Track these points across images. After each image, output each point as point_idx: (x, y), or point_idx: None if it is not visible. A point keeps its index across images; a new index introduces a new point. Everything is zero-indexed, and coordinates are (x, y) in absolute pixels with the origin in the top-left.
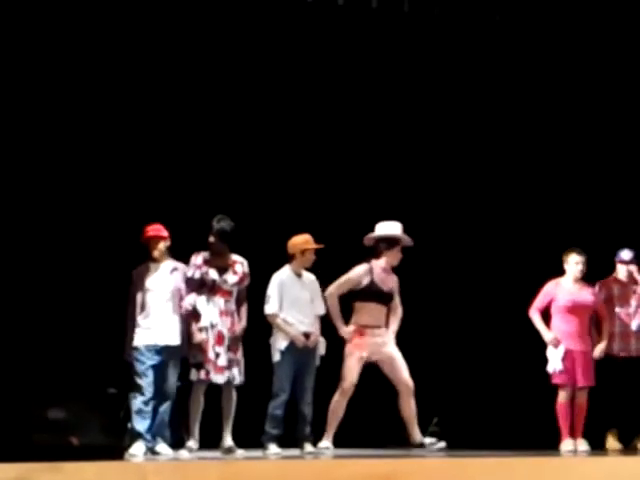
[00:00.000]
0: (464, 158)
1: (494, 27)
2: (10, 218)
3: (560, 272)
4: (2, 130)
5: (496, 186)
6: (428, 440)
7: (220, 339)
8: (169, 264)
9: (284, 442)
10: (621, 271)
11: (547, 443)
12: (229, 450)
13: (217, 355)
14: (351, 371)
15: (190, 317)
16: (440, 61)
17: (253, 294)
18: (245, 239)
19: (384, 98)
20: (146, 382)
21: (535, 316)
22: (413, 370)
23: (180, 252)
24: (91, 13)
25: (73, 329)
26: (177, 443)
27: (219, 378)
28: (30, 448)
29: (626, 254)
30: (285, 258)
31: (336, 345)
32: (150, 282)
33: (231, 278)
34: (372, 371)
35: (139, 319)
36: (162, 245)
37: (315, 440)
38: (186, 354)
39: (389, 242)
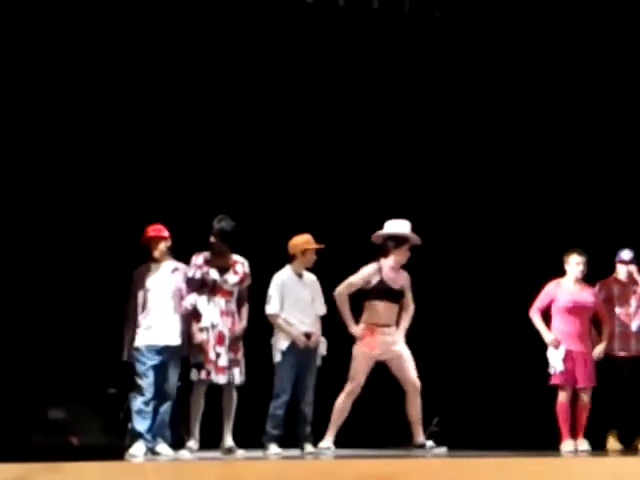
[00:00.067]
0: (465, 159)
1: (494, 28)
2: (11, 218)
3: (561, 273)
4: (2, 130)
5: (497, 187)
6: (429, 443)
7: (221, 339)
8: (170, 264)
9: (284, 442)
10: (621, 271)
11: (547, 444)
12: (229, 450)
13: (218, 355)
14: (359, 371)
15: (191, 317)
16: (441, 61)
17: (254, 294)
18: (246, 239)
19: (385, 98)
20: (147, 382)
21: (535, 316)
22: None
23: (181, 252)
24: (91, 13)
25: (73, 329)
26: (177, 443)
27: (220, 378)
28: (30, 448)
29: (626, 254)
30: (286, 258)
31: (336, 345)
32: (151, 282)
33: (232, 278)
34: (372, 371)
35: (140, 319)
36: (163, 245)
37: (316, 440)
38: (187, 354)
39: (397, 240)
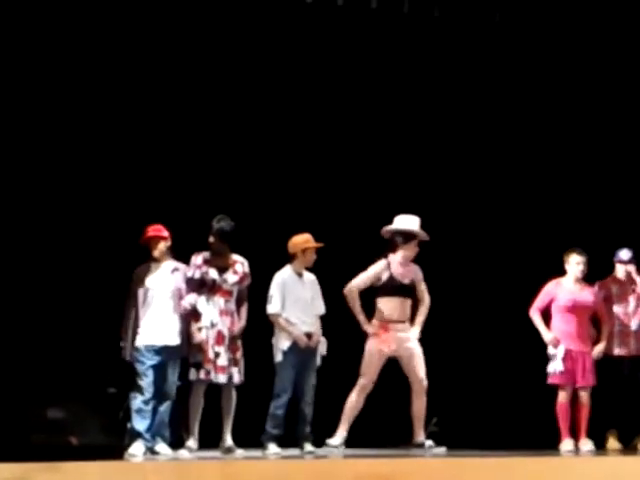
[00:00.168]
0: (463, 160)
1: (494, 28)
2: (11, 219)
3: (561, 272)
4: (2, 131)
5: (496, 187)
6: (428, 443)
7: (220, 339)
8: (170, 264)
9: (284, 442)
10: (620, 271)
11: (547, 443)
12: (229, 450)
13: (217, 355)
14: (371, 367)
15: (190, 317)
16: (440, 62)
17: (254, 294)
18: (246, 239)
19: (384, 99)
20: (146, 382)
21: (535, 316)
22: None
23: (181, 252)
24: (91, 13)
25: (72, 329)
26: (177, 443)
27: (219, 378)
28: (29, 448)
29: (625, 254)
30: (285, 258)
31: (337, 346)
32: (151, 282)
33: (231, 278)
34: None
35: (139, 319)
36: (162, 245)
37: (316, 439)
38: (186, 354)
39: (405, 236)
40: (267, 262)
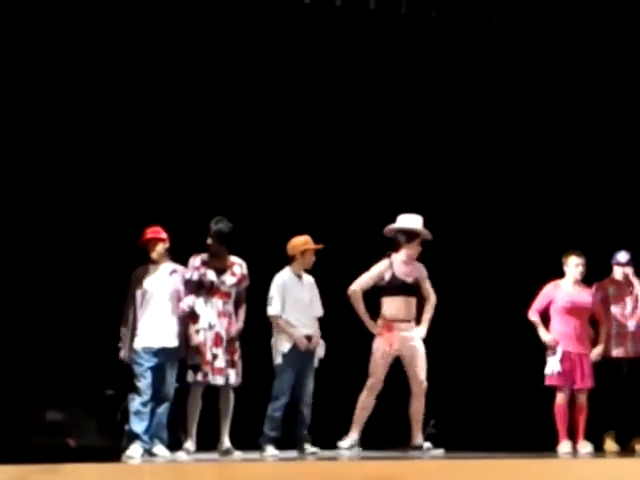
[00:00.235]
0: (461, 162)
1: (491, 28)
2: (9, 220)
3: (560, 274)
4: (2, 132)
5: (496, 189)
6: (426, 445)
7: (218, 340)
8: (168, 266)
9: (281, 444)
10: (617, 273)
11: (545, 445)
12: (226, 452)
13: (215, 357)
14: (378, 367)
15: (188, 319)
16: (438, 62)
17: (252, 296)
18: (244, 241)
19: (382, 99)
20: (144, 384)
21: (534, 318)
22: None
23: (180, 254)
24: (91, 13)
25: (71, 331)
26: (174, 445)
27: (217, 379)
28: (27, 450)
29: (622, 256)
30: (284, 259)
31: (336, 348)
32: (149, 284)
33: (229, 279)
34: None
35: (137, 321)
36: (161, 247)
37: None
38: (184, 356)
39: (408, 235)
40: (266, 264)
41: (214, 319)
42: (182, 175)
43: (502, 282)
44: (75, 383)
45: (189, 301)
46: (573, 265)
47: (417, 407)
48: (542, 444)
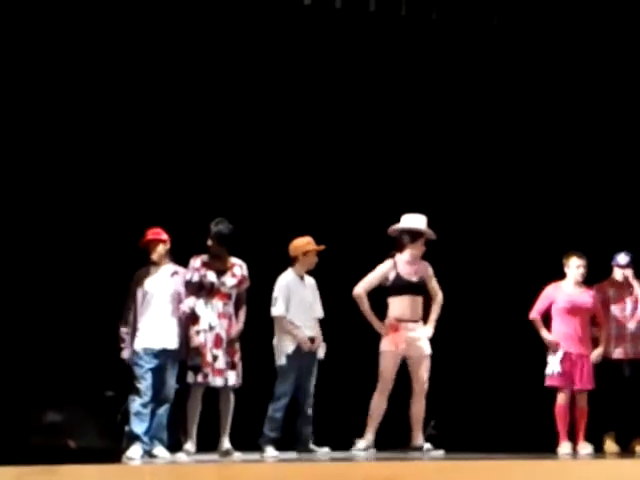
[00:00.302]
0: (461, 164)
1: (492, 31)
2: (10, 221)
3: (561, 276)
4: (2, 134)
5: (497, 190)
6: (426, 446)
7: (218, 342)
8: (169, 267)
9: (281, 445)
10: (617, 275)
11: (545, 446)
12: (226, 453)
13: (215, 358)
14: (387, 368)
15: (188, 320)
16: (438, 65)
17: (253, 297)
18: (245, 242)
19: (383, 101)
20: (145, 385)
21: (535, 319)
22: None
23: (181, 255)
24: (91, 14)
25: (71, 332)
26: (174, 446)
27: (217, 381)
28: (27, 451)
29: (622, 258)
30: (284, 261)
31: (342, 349)
32: (150, 285)
33: (229, 281)
34: (369, 375)
35: (138, 322)
36: (161, 248)
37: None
38: (184, 357)
39: (413, 235)
40: (266, 265)
41: (214, 320)
42: (183, 177)
43: (503, 283)
44: (75, 384)
45: (190, 302)
46: (574, 266)
47: (418, 408)
48: (542, 445)
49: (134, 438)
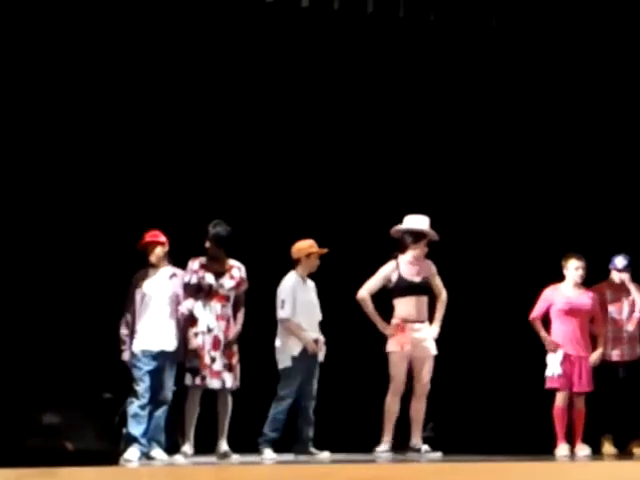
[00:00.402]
0: (460, 166)
1: (490, 32)
2: (9, 223)
3: (560, 278)
4: (1, 135)
5: (496, 193)
6: (424, 447)
7: (216, 344)
8: (168, 270)
9: (279, 446)
10: (615, 278)
11: (543, 448)
12: (224, 455)
13: (213, 360)
14: (397, 369)
15: (187, 322)
16: (436, 66)
17: (251, 299)
18: (243, 244)
19: (381, 103)
20: (143, 387)
21: (535, 322)
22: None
23: (179, 257)
24: (91, 15)
25: (69, 334)
26: (172, 448)
27: (214, 383)
28: (24, 453)
29: (620, 262)
30: (283, 263)
31: (345, 352)
32: (148, 287)
33: (228, 283)
34: (367, 376)
35: (136, 324)
36: (159, 250)
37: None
38: (182, 359)
39: (415, 235)
40: (265, 267)
41: (213, 322)
42: (181, 179)
43: (501, 285)
44: (73, 386)
45: (188, 304)
46: (573, 268)
47: (418, 408)
48: (540, 447)
49: (132, 440)
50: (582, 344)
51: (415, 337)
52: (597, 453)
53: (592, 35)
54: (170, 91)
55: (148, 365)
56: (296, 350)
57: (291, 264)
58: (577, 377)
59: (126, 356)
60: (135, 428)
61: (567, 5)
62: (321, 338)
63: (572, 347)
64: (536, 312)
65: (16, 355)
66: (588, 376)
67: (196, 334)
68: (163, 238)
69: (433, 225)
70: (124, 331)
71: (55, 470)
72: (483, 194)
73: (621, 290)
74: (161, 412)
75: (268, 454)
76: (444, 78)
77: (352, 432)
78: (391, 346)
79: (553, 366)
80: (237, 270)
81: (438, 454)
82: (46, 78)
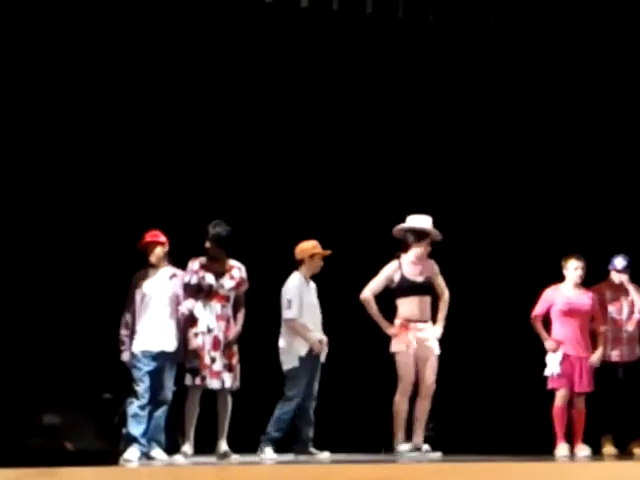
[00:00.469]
0: (459, 166)
1: (489, 32)
2: (9, 223)
3: (560, 278)
4: (1, 136)
5: (496, 193)
6: (425, 447)
7: (216, 344)
8: (168, 270)
9: (280, 446)
10: (614, 278)
11: (543, 448)
12: (224, 455)
13: (213, 360)
14: (404, 369)
15: (187, 322)
16: (435, 66)
17: (251, 299)
18: (243, 244)
19: (381, 103)
20: (143, 388)
21: (536, 322)
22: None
23: (179, 258)
24: (91, 15)
25: (69, 334)
26: (172, 448)
27: (214, 383)
28: (24, 453)
29: (619, 262)
30: (284, 264)
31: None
32: (148, 287)
33: (228, 283)
34: (367, 376)
35: (136, 324)
36: (159, 250)
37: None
38: (182, 359)
39: (418, 235)
40: (265, 268)
41: (213, 323)
42: (182, 179)
43: (501, 286)
44: (73, 386)
45: (188, 305)
46: (572, 268)
47: (423, 408)
48: (540, 447)
49: (132, 440)
50: (582, 344)
51: (419, 336)
52: (597, 453)
53: (592, 35)
54: (170, 91)
55: (148, 365)
56: (303, 350)
57: (292, 265)
58: (578, 377)
59: (126, 356)
60: (135, 428)
61: (566, 5)
62: (325, 339)
63: (572, 347)
64: (536, 312)
65: (16, 355)
66: (589, 376)
67: (196, 334)
68: (163, 238)
69: (435, 225)
70: (124, 331)
71: (55, 470)
72: (485, 194)
73: (620, 290)
74: (161, 412)
75: (268, 453)
76: (444, 78)
77: (352, 432)
78: (396, 346)
79: (552, 366)
80: (237, 270)
81: (438, 454)
82: (46, 79)
